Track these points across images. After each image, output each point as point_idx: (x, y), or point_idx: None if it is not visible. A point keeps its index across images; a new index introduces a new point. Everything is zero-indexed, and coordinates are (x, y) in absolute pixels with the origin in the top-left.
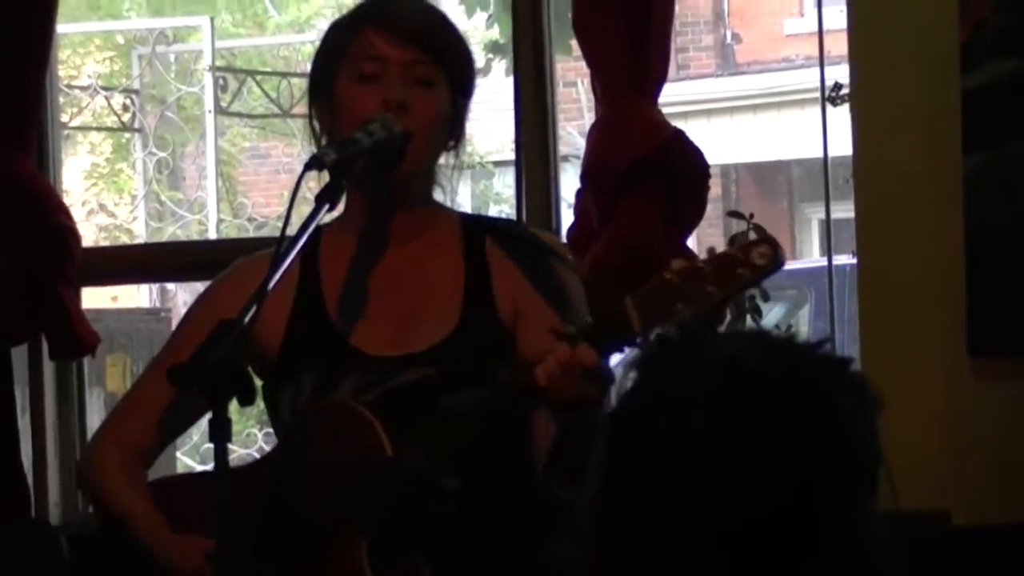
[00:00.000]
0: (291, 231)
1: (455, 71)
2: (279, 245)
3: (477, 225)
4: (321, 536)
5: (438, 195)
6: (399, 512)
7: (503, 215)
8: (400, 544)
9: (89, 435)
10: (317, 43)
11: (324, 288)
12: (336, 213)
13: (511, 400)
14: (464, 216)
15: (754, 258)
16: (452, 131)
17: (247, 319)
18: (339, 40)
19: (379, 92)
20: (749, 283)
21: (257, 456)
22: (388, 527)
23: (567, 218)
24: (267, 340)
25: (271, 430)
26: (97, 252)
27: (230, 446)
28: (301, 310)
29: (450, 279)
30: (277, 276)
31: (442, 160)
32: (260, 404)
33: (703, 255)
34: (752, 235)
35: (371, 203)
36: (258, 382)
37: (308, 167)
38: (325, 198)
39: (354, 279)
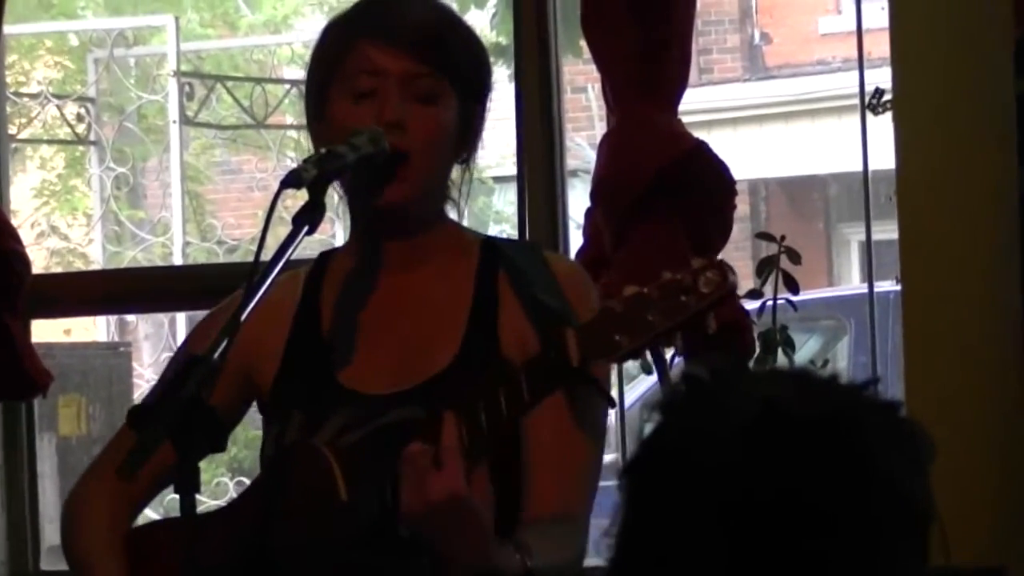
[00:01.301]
0: (267, 256)
1: (463, 81)
2: (252, 273)
3: (494, 254)
4: None
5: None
6: (349, 562)
7: (504, 235)
8: None
9: (40, 485)
10: (294, 45)
11: (323, 318)
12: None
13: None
14: (486, 242)
15: (700, 285)
16: (462, 144)
17: (216, 356)
18: (332, 54)
19: (375, 110)
20: (694, 313)
21: None
22: None
23: (576, 240)
24: (263, 372)
25: (243, 478)
26: (48, 279)
27: (199, 497)
28: (298, 341)
29: (453, 310)
30: (249, 308)
31: (454, 174)
32: (231, 451)
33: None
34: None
35: (364, 226)
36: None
37: (285, 184)
38: (304, 219)
39: (347, 310)
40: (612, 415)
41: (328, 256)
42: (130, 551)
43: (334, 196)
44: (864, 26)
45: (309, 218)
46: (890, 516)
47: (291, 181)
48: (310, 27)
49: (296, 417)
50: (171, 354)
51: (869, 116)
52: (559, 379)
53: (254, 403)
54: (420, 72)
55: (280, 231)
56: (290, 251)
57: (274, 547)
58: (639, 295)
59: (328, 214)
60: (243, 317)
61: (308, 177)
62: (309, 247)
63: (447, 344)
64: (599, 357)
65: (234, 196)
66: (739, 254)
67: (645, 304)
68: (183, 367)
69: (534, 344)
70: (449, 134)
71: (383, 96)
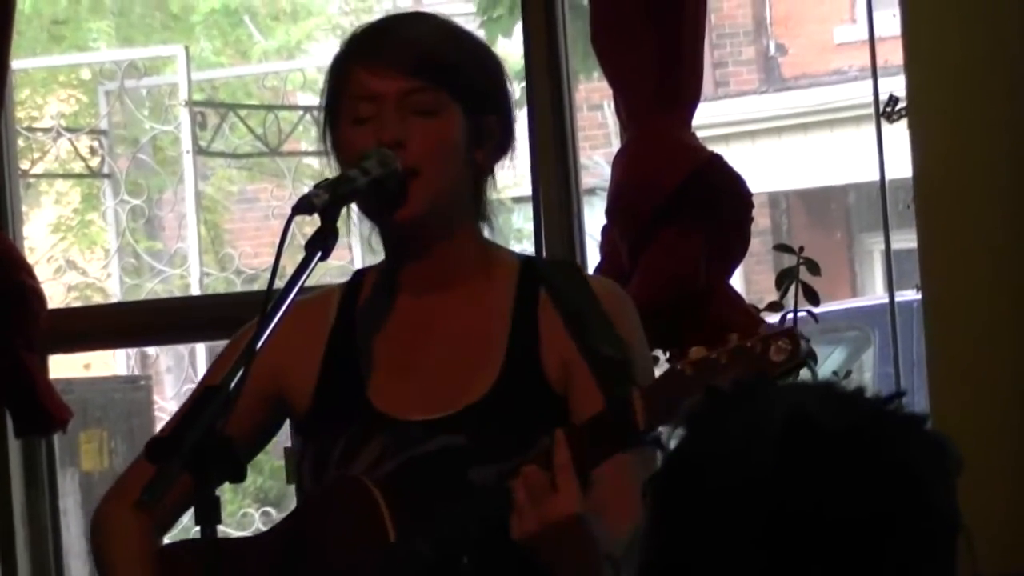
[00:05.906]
0: (281, 284)
1: (465, 91)
2: (266, 301)
3: (534, 273)
4: None
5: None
6: None
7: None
8: None
9: (62, 521)
10: (307, 70)
11: (359, 340)
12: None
13: (497, 506)
14: (525, 262)
15: (772, 353)
16: (477, 155)
17: (232, 386)
18: (333, 86)
19: (375, 132)
20: None
21: None
22: None
23: (594, 258)
24: (297, 396)
25: (268, 509)
26: (66, 314)
27: (222, 528)
28: (332, 364)
29: (492, 332)
30: (264, 337)
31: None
32: (257, 481)
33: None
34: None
35: (389, 247)
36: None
37: (296, 210)
38: (317, 245)
39: (378, 332)
40: None
41: (363, 274)
42: (161, 570)
43: (351, 221)
44: (879, 34)
45: (322, 244)
46: (918, 526)
47: (302, 207)
48: (323, 52)
49: (335, 444)
50: (193, 386)
51: (884, 124)
52: (624, 442)
53: (279, 430)
54: (414, 88)
55: (297, 258)
56: (304, 277)
57: None
58: (707, 360)
59: (344, 239)
60: (258, 346)
61: (319, 203)
62: (328, 273)
63: (486, 370)
64: (666, 422)
65: (251, 225)
66: (761, 267)
67: (714, 369)
68: (199, 398)
69: (577, 368)
70: (454, 146)
71: (380, 118)
